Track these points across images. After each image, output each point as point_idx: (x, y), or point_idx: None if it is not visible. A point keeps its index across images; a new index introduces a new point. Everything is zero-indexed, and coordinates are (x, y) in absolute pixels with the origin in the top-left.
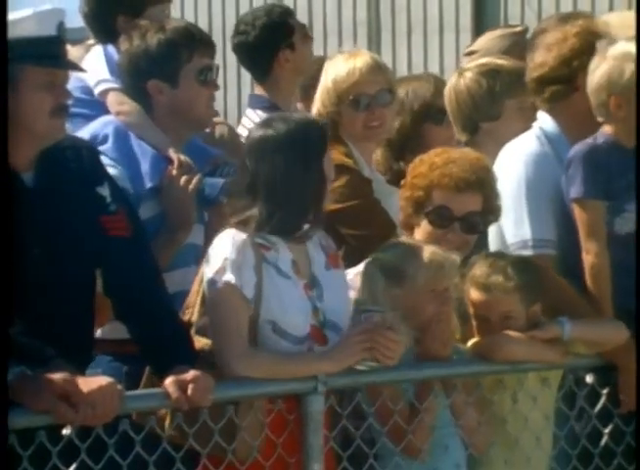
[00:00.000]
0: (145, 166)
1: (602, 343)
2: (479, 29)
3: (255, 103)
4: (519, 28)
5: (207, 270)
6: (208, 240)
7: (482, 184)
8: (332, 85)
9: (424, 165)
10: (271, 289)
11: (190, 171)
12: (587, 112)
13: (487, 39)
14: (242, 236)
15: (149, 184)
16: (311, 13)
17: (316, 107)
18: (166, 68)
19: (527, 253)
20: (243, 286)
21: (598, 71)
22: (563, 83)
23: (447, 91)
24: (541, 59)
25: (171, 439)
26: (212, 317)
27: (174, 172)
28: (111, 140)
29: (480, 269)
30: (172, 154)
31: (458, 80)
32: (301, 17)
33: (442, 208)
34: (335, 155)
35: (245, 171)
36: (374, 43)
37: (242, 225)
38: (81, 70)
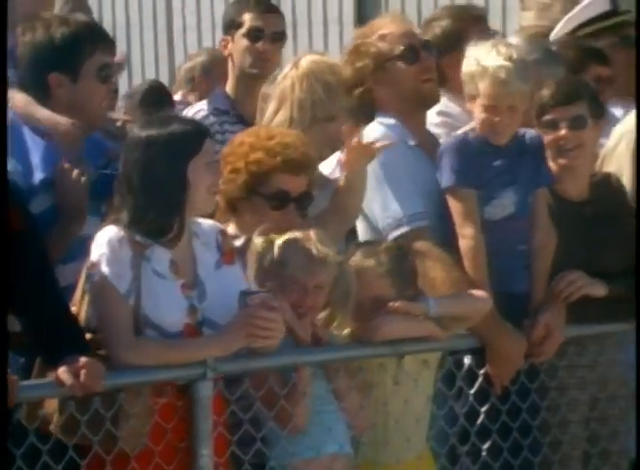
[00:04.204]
0: (36, 159)
1: (469, 315)
2: (361, 22)
3: None
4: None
5: (87, 264)
6: None
7: (312, 164)
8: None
9: (258, 152)
10: (146, 285)
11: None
12: (398, 103)
13: None
14: (119, 232)
15: (40, 176)
16: (199, 5)
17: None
18: (69, 61)
19: (404, 230)
20: (116, 280)
21: (464, 68)
22: (358, 87)
23: None
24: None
25: (60, 433)
26: (95, 309)
27: (66, 165)
28: None
29: (355, 256)
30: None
31: None
32: (190, 8)
33: (282, 191)
34: None
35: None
36: None
37: (119, 222)
38: None
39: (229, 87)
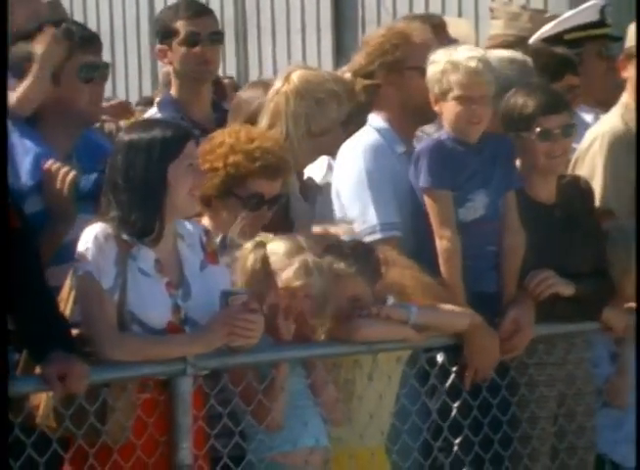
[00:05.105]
0: (27, 165)
1: (446, 328)
2: (338, 29)
3: None
4: None
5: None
6: None
7: (288, 168)
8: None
9: (238, 155)
10: (132, 283)
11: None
12: (399, 107)
13: None
14: (106, 229)
15: (30, 182)
16: None
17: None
18: None
19: (376, 237)
20: (100, 276)
21: (430, 70)
22: (368, 78)
23: None
24: (358, 55)
25: (46, 426)
26: (80, 304)
27: (53, 167)
28: None
29: (324, 260)
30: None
31: None
32: None
33: (258, 194)
34: None
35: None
36: (241, 41)
37: (107, 221)
38: None
39: (175, 93)
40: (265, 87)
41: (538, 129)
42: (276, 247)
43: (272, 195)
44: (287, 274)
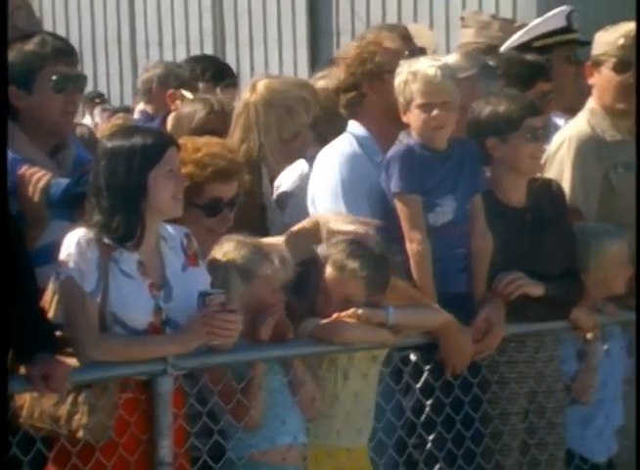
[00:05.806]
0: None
1: (422, 326)
2: (313, 40)
3: None
4: None
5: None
6: None
7: (240, 169)
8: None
9: (188, 165)
10: (113, 285)
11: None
12: (382, 114)
13: None
14: (87, 234)
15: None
16: (160, 23)
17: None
18: (20, 75)
19: None
20: (82, 280)
21: (395, 82)
22: (352, 90)
23: None
24: (337, 71)
25: (30, 426)
26: (63, 308)
27: (27, 173)
28: None
29: (340, 251)
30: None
31: None
32: (152, 27)
33: (216, 199)
34: None
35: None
36: (219, 52)
37: (89, 225)
38: None
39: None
40: (205, 102)
41: (528, 129)
42: (243, 255)
43: (229, 197)
44: (273, 275)
